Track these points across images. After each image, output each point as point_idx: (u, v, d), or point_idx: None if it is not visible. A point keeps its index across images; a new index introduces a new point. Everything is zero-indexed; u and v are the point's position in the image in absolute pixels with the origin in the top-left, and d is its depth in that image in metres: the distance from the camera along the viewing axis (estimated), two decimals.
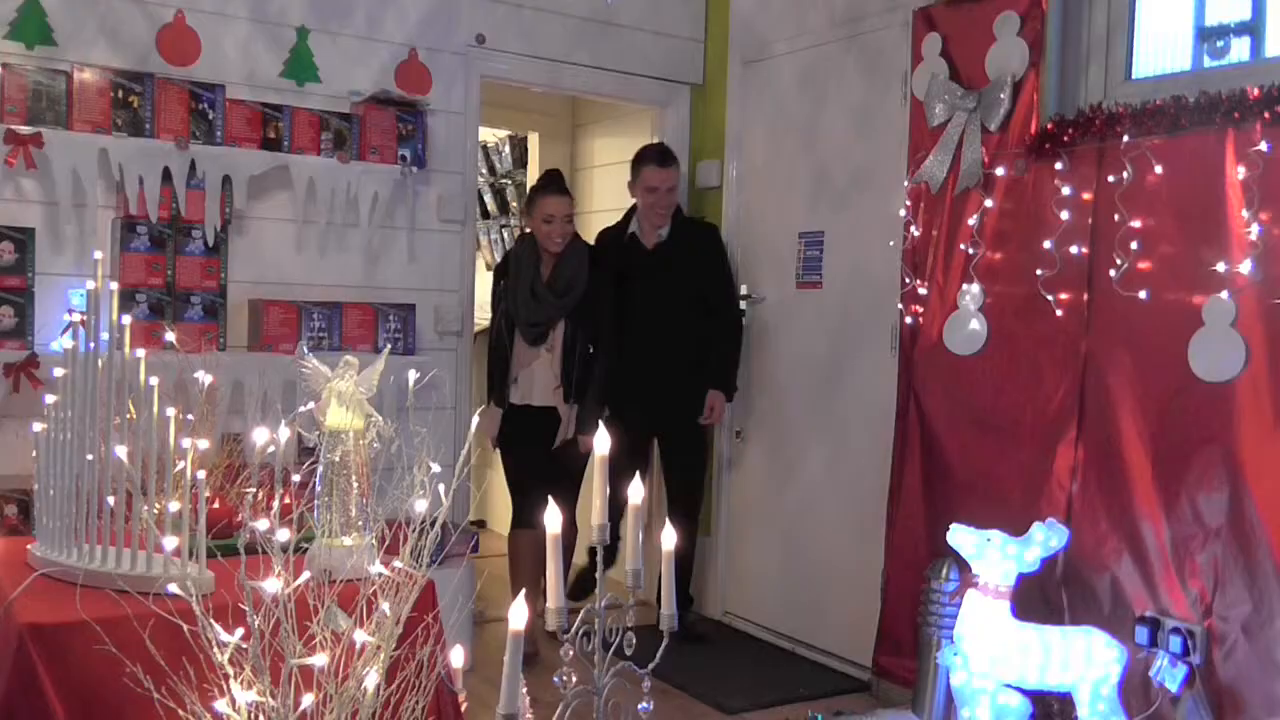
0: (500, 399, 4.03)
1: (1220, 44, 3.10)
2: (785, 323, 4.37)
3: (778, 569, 4.37)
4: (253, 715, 1.65)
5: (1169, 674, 2.87)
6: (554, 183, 4.04)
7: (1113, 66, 3.34)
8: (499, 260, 4.46)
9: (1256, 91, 2.79)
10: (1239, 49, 3.09)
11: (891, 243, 3.80)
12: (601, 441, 1.75)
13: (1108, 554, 3.11)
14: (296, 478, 2.06)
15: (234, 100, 3.71)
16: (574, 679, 1.70)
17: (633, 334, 4.18)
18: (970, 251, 3.49)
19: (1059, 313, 3.25)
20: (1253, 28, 3.06)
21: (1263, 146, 2.77)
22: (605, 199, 5.46)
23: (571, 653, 1.68)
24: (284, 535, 1.69)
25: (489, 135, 6.05)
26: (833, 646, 4.08)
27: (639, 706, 1.69)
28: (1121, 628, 2.96)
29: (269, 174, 3.77)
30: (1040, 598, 3.17)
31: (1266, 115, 2.76)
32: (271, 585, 1.61)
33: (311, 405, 2.15)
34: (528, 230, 4.12)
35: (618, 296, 4.17)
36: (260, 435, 1.88)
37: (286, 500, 1.97)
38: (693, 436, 4.39)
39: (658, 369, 4.25)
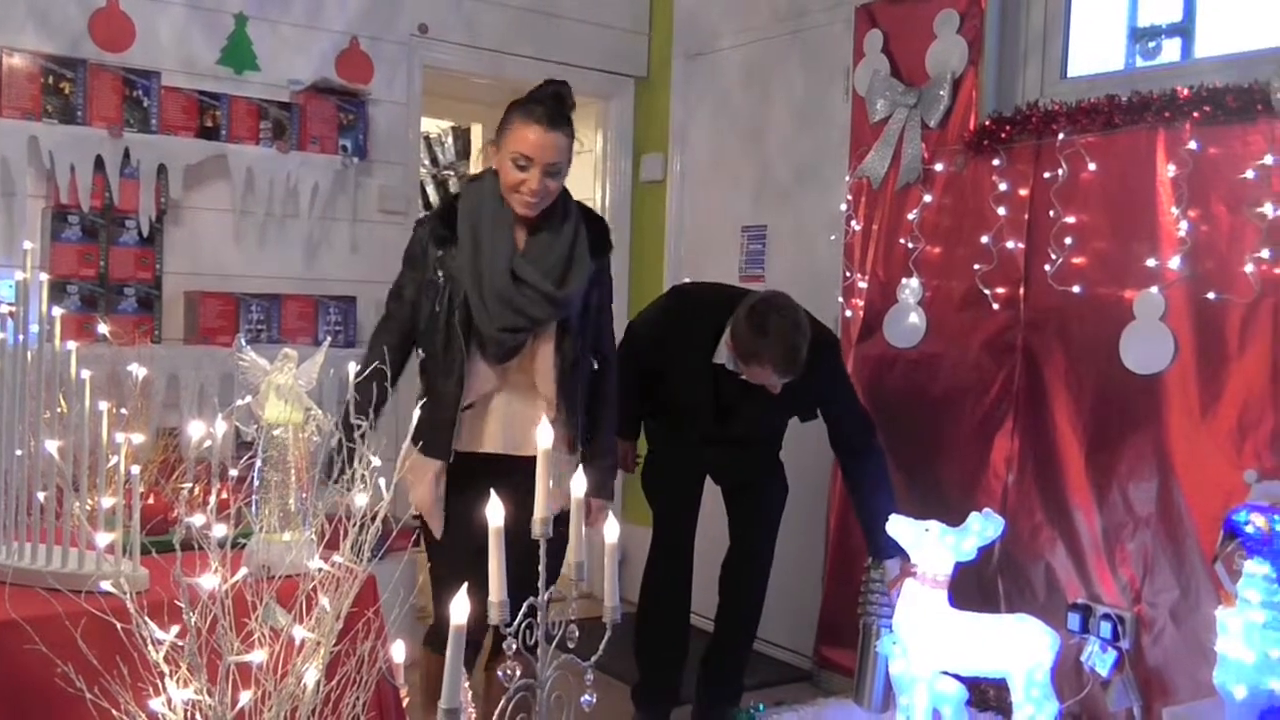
0: (443, 445, 2.54)
1: (1152, 45, 3.17)
2: None
3: (716, 558, 4.39)
4: (189, 714, 1.62)
5: (1099, 659, 2.94)
6: (546, 103, 2.48)
7: (1049, 65, 3.40)
8: (432, 212, 2.73)
9: (1186, 92, 2.86)
10: (1170, 50, 3.16)
11: (833, 237, 3.84)
12: (544, 436, 1.74)
13: (1042, 543, 3.18)
14: (234, 472, 2.03)
15: (170, 88, 3.64)
16: (517, 673, 1.70)
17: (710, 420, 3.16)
18: (910, 246, 3.54)
19: (995, 306, 3.30)
20: (1183, 29, 3.14)
21: (1192, 145, 2.85)
22: None
23: (514, 646, 1.68)
24: (221, 531, 1.67)
25: (432, 126, 6.00)
26: (775, 637, 4.12)
27: (581, 699, 1.69)
28: (1055, 615, 3.03)
29: (206, 163, 3.70)
30: (977, 586, 3.23)
31: (1196, 115, 2.83)
32: (208, 581, 1.59)
33: (249, 399, 2.12)
34: (487, 171, 2.62)
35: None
36: (196, 429, 1.85)
37: (224, 495, 1.95)
38: (769, 477, 3.39)
39: (730, 446, 3.25)
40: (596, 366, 2.66)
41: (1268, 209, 2.70)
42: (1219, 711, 2.50)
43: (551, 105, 2.47)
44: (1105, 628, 2.96)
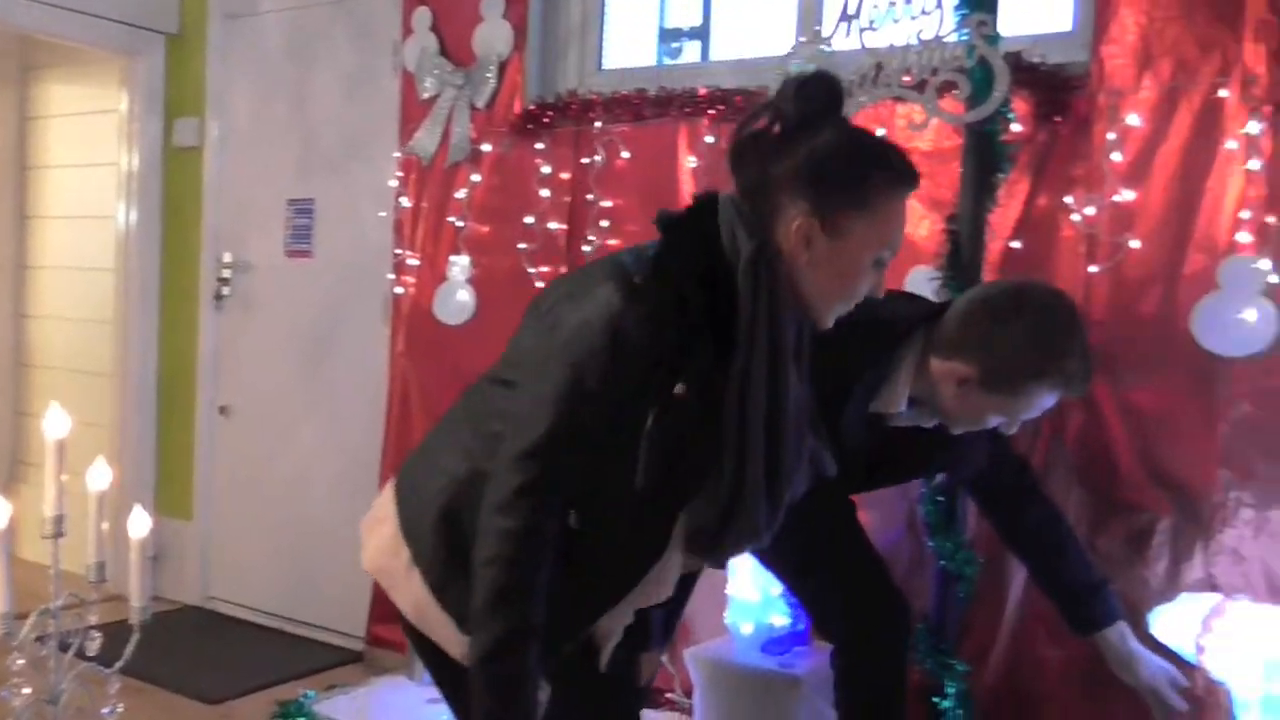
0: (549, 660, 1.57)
1: (676, 45, 3.47)
2: (274, 292, 4.21)
3: (265, 547, 4.22)
4: None
5: None
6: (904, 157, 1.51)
7: (587, 56, 3.59)
8: (675, 290, 1.47)
9: (704, 90, 3.15)
10: (691, 51, 3.47)
11: (383, 213, 3.80)
12: (57, 426, 1.57)
13: None
14: None
15: None
16: (27, 689, 1.52)
17: None
18: (459, 224, 3.59)
19: (540, 285, 3.44)
20: (703, 33, 3.46)
21: (709, 139, 3.14)
22: (63, 153, 4.88)
23: (22, 661, 1.51)
24: None
25: None
26: (324, 620, 4.03)
27: (102, 711, 1.56)
28: None
29: None
30: None
31: (712, 112, 3.13)
32: None
33: None
34: (766, 248, 1.46)
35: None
36: None
37: None
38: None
39: None
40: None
41: None
42: (729, 646, 2.81)
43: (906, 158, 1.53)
44: None
